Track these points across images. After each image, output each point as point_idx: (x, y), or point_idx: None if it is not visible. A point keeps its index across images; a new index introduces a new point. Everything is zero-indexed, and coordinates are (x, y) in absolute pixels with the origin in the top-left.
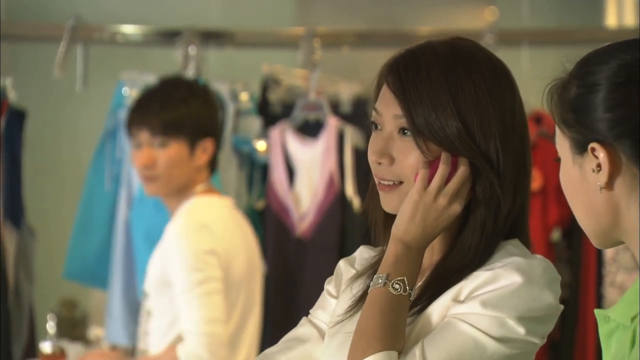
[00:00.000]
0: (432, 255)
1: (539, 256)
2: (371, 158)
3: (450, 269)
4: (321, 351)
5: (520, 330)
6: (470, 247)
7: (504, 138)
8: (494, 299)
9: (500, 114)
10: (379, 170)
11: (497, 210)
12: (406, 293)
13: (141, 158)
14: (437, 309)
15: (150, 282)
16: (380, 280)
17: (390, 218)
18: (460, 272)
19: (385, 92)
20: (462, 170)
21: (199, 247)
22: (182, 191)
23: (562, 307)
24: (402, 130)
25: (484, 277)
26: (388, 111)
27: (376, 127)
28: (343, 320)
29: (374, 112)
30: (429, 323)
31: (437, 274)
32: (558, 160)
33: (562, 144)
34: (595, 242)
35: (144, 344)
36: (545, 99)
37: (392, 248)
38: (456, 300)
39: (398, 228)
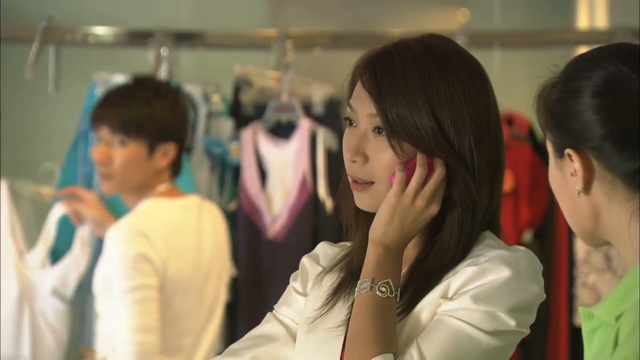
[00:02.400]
0: (406, 251)
1: (521, 248)
2: (345, 155)
3: (430, 268)
4: (296, 349)
5: (512, 323)
6: (449, 246)
7: (478, 138)
8: (483, 294)
9: (474, 114)
10: (352, 169)
11: (474, 209)
12: (393, 295)
13: (96, 154)
14: (426, 307)
15: (96, 284)
16: (366, 285)
17: (362, 213)
18: (441, 270)
19: (360, 90)
20: (439, 172)
21: (131, 254)
22: (139, 191)
23: (544, 296)
24: (376, 129)
25: (471, 272)
26: (363, 110)
27: (351, 123)
28: (320, 316)
29: (348, 109)
30: (418, 322)
31: (418, 273)
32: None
33: (548, 146)
34: (583, 241)
35: (95, 345)
36: (534, 100)
37: (373, 251)
38: (445, 298)
39: (376, 231)
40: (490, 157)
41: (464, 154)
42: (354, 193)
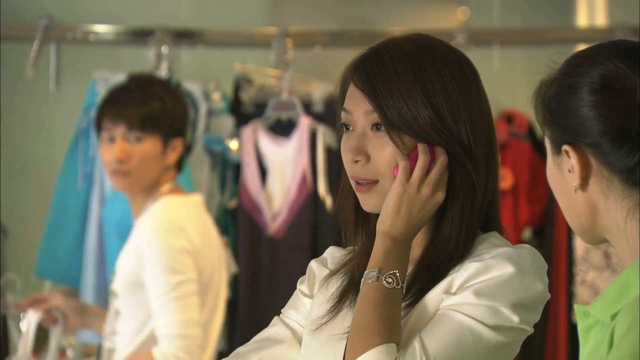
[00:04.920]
0: (412, 247)
1: (526, 245)
2: (347, 157)
3: (434, 259)
4: (301, 352)
5: (515, 319)
6: (451, 236)
7: (474, 123)
8: (486, 289)
9: (468, 101)
10: (355, 170)
11: (472, 195)
12: (399, 286)
13: (116, 152)
14: (430, 302)
15: (120, 282)
16: (373, 274)
17: (360, 218)
18: (446, 262)
19: (354, 91)
20: (442, 159)
21: (176, 247)
22: (149, 189)
23: (549, 295)
24: (375, 126)
25: (475, 268)
26: (359, 109)
27: (347, 128)
28: (324, 324)
29: (343, 113)
30: (422, 316)
31: (423, 265)
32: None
33: (546, 143)
34: (581, 238)
35: (110, 343)
36: (532, 96)
37: (380, 243)
38: (448, 293)
39: (384, 223)
40: (485, 143)
41: (462, 139)
42: (359, 196)
